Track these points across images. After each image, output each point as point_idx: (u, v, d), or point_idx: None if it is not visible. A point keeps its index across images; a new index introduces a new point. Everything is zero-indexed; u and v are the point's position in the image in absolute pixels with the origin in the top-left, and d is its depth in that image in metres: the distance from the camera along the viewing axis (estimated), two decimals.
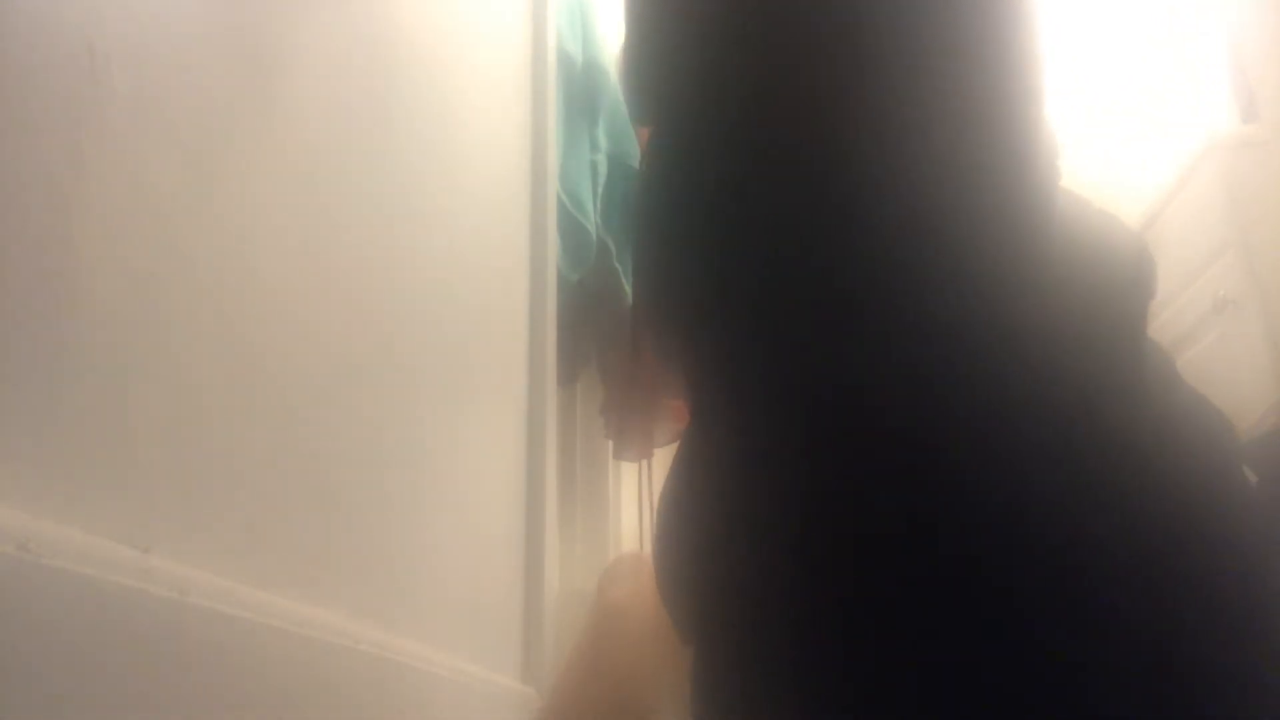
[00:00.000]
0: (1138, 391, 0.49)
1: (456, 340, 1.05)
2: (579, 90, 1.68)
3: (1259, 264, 1.90)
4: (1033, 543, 0.44)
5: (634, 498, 1.99)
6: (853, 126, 0.50)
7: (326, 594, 0.66)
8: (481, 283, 1.18)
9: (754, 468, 0.51)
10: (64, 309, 0.44)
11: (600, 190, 1.69)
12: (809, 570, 0.47)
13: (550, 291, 1.43)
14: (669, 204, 0.58)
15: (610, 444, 1.82)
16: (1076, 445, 0.46)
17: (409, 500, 0.86)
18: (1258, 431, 1.80)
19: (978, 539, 0.45)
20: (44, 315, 0.42)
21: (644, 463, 1.81)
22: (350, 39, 0.80)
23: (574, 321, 1.65)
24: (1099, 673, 0.43)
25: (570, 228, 1.58)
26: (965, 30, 0.50)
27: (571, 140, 1.63)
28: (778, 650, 0.48)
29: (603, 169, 1.71)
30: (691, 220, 0.55)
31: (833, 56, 0.50)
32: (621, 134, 1.76)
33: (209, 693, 0.49)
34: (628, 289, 1.70)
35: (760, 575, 0.49)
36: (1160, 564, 0.45)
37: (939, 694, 0.44)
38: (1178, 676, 0.44)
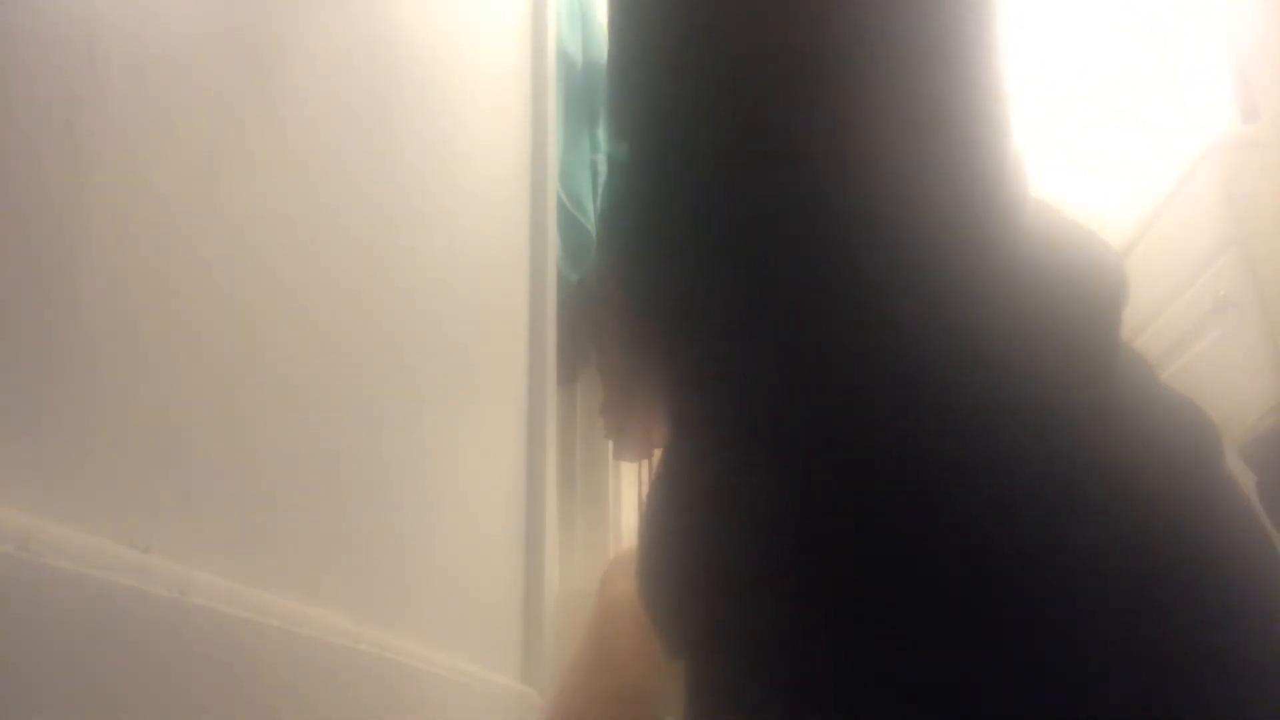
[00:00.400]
0: (1109, 397, 0.49)
1: (456, 340, 1.05)
2: (579, 90, 1.68)
3: (1259, 264, 1.90)
4: (1009, 551, 0.45)
5: (634, 498, 1.99)
6: (824, 139, 0.50)
7: (326, 594, 0.66)
8: (481, 283, 1.18)
9: (734, 483, 0.51)
10: (64, 309, 0.44)
11: (600, 190, 1.69)
12: (792, 581, 0.48)
13: (550, 291, 1.43)
14: (643, 224, 0.58)
15: (610, 444, 1.82)
16: (1044, 452, 0.46)
17: (409, 500, 0.86)
18: (1258, 431, 1.80)
19: (952, 548, 0.45)
20: (44, 315, 0.42)
21: (644, 463, 1.81)
22: (350, 39, 0.80)
23: (574, 321, 1.65)
24: (1085, 679, 0.43)
25: (570, 228, 1.58)
26: (929, 42, 0.50)
27: (571, 140, 1.63)
28: (768, 661, 0.48)
29: (603, 169, 1.71)
30: (666, 239, 0.56)
31: (804, 65, 0.51)
32: None
33: (209, 693, 0.49)
34: None
35: (746, 589, 0.49)
36: (1137, 566, 0.45)
37: (929, 706, 0.44)
38: (1160, 675, 0.44)
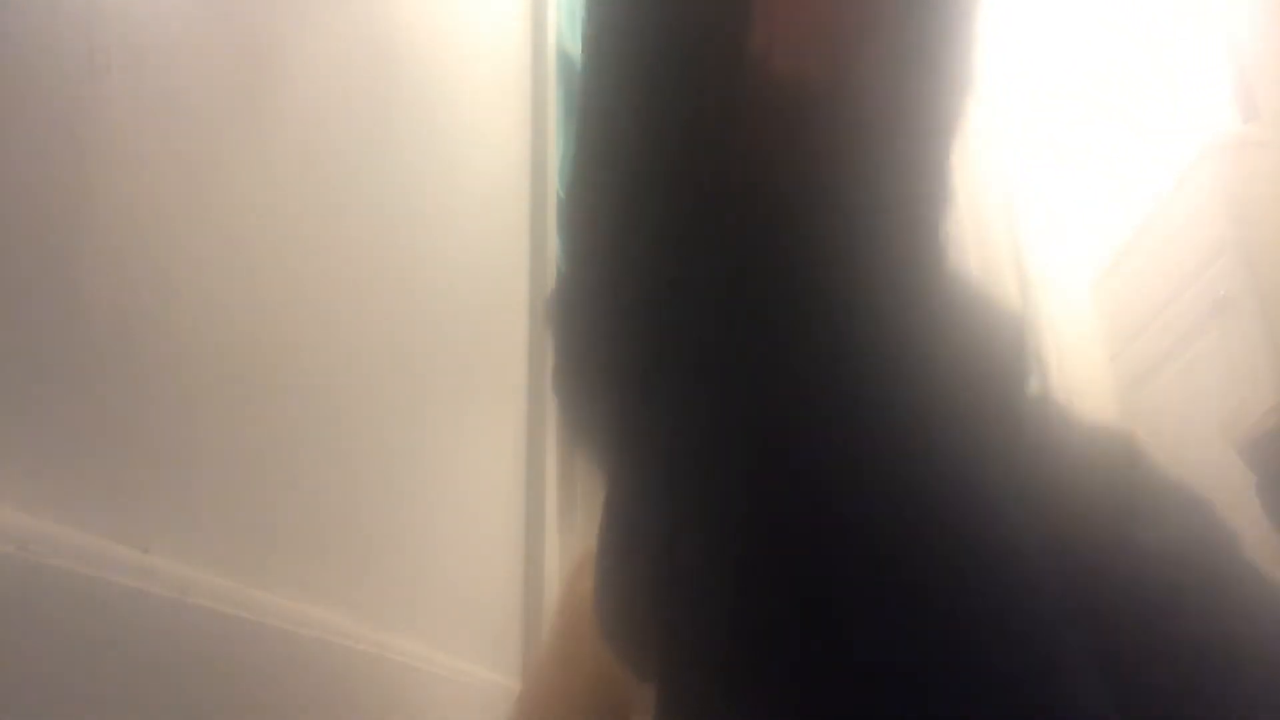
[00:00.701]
0: (1020, 434, 0.52)
1: (456, 340, 1.05)
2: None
3: (1258, 264, 1.90)
4: (962, 565, 0.46)
5: None
6: (770, 217, 0.52)
7: (326, 594, 0.66)
8: (481, 282, 1.18)
9: (681, 516, 0.52)
10: (65, 309, 0.44)
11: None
12: (750, 605, 0.49)
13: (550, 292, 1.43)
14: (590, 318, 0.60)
15: None
16: (959, 500, 0.48)
17: (409, 500, 0.86)
18: (1258, 431, 1.80)
19: (908, 561, 0.46)
20: (45, 315, 0.42)
21: None
22: (350, 39, 0.80)
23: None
24: (1058, 682, 0.44)
25: None
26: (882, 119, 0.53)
27: (571, 140, 1.63)
28: (734, 682, 0.49)
29: None
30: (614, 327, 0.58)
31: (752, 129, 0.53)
32: None
33: (209, 693, 0.49)
34: None
35: (704, 614, 0.50)
36: (1079, 570, 0.46)
37: (900, 717, 0.45)
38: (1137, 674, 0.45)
